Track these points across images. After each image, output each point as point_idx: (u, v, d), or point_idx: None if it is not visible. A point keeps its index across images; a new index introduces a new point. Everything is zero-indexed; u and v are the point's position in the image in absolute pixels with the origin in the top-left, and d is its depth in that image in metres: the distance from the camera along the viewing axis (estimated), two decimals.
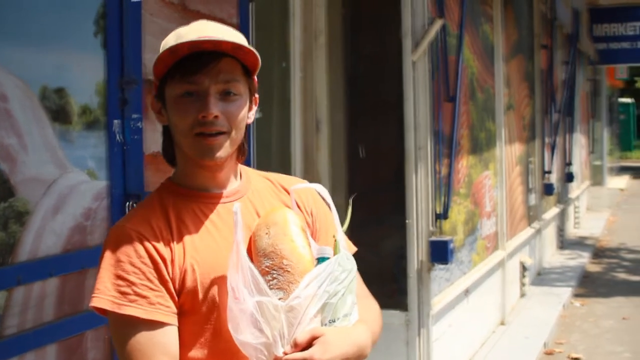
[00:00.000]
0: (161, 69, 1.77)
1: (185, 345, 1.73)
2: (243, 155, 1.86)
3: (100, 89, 2.78)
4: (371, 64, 5.29)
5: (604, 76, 21.89)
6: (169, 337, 1.70)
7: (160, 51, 1.76)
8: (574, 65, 12.07)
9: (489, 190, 6.91)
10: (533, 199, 9.34)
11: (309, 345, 1.65)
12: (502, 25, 7.55)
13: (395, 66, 5.06)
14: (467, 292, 6.06)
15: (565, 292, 8.96)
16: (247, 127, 1.85)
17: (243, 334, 1.66)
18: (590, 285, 9.88)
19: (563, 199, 12.13)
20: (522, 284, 8.26)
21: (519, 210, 8.39)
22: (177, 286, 1.72)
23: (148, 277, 1.70)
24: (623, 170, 29.25)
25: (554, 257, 11.05)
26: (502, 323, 7.45)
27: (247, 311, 1.65)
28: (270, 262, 1.70)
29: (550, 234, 10.98)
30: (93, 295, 1.72)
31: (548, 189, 9.94)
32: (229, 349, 1.71)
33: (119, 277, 1.70)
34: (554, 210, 11.08)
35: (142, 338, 1.69)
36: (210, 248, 1.77)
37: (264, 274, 1.69)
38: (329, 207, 1.86)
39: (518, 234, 8.24)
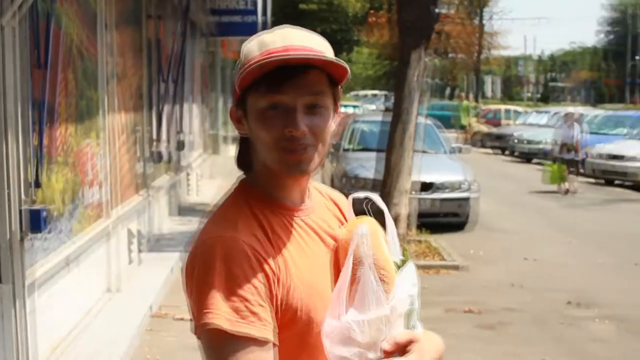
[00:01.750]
0: (247, 79, 1.68)
1: None
2: (321, 166, 1.80)
3: None
4: None
5: (219, 48, 22.67)
6: (274, 356, 1.63)
7: (243, 59, 1.71)
8: (185, 37, 12.34)
9: (92, 158, 6.88)
10: (142, 167, 9.45)
11: (405, 347, 1.66)
12: None
13: None
14: (68, 260, 6.01)
15: (175, 257, 9.22)
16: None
17: (339, 348, 1.65)
18: None
19: (176, 167, 12.42)
20: (131, 251, 8.35)
21: (127, 178, 8.44)
22: (279, 303, 1.66)
23: (260, 294, 1.62)
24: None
25: (167, 224, 11.30)
26: (110, 290, 7.49)
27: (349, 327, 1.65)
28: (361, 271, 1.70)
29: (163, 201, 11.21)
30: (205, 311, 1.60)
31: (157, 157, 10.13)
32: None
33: (234, 293, 1.60)
34: (165, 178, 11.32)
35: (253, 357, 1.59)
36: (306, 264, 1.74)
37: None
38: (385, 214, 1.83)
39: (126, 202, 8.30)
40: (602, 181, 19.80)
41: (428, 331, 1.77)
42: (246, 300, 1.60)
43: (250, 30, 19.97)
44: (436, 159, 13.10)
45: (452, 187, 12.32)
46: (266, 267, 1.64)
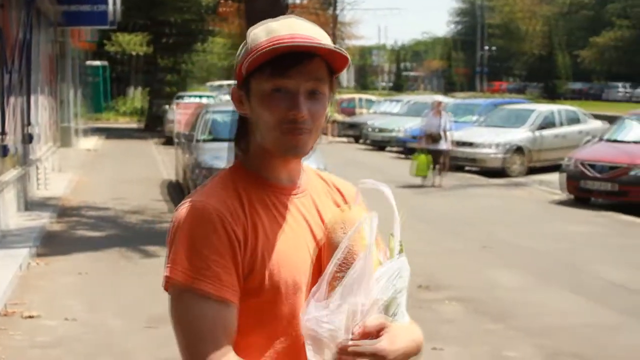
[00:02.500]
0: (254, 63, 1.76)
1: (241, 329, 1.74)
2: (312, 150, 1.85)
3: None
4: None
5: (69, 38, 22.03)
6: (231, 317, 1.72)
7: (250, 43, 1.80)
8: (30, 26, 11.94)
9: None
10: None
11: (377, 333, 1.72)
12: None
13: None
14: None
15: (24, 253, 8.93)
16: None
17: (313, 324, 1.72)
18: (51, 245, 9.99)
19: (24, 161, 12.01)
20: None
21: None
22: (246, 270, 1.74)
23: (223, 255, 1.71)
24: (95, 131, 29.91)
25: (15, 219, 10.93)
26: None
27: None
28: (343, 258, 1.77)
29: (10, 196, 10.82)
30: (167, 265, 1.73)
31: (3, 151, 9.77)
32: (289, 335, 1.78)
33: (196, 251, 1.70)
34: (12, 172, 10.92)
35: (208, 313, 1.69)
36: (281, 238, 1.81)
37: (337, 268, 1.76)
38: (393, 207, 1.92)
39: None
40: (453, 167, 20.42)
41: (412, 321, 1.87)
42: (207, 259, 1.70)
43: (100, 19, 19.46)
44: None
45: None
46: (230, 231, 1.73)
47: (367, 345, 1.70)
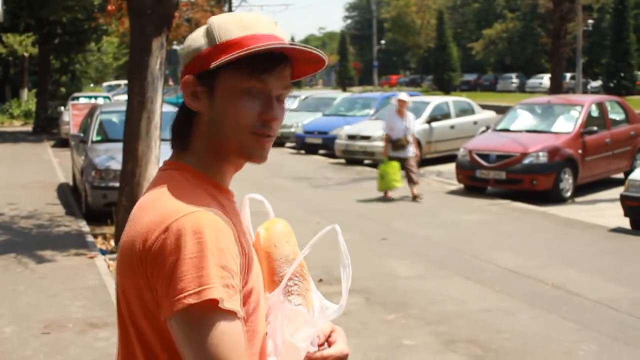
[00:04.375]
0: (221, 56, 1.67)
1: None
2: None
3: None
4: None
5: None
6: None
7: (218, 34, 1.70)
8: None
9: None
10: None
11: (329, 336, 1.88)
12: None
13: None
14: None
15: None
16: None
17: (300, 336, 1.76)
18: None
19: None
20: None
21: None
22: (244, 282, 1.67)
23: (239, 270, 1.62)
24: None
25: None
26: None
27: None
28: (293, 269, 1.81)
29: None
30: (204, 288, 1.53)
31: None
32: (263, 347, 1.76)
33: (224, 267, 1.56)
34: None
35: (239, 335, 1.57)
36: (251, 248, 1.76)
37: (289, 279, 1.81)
38: (270, 214, 2.02)
39: None
40: (343, 161, 20.61)
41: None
42: (232, 275, 1.59)
43: None
44: None
45: None
46: (239, 244, 1.65)
47: (332, 351, 1.85)
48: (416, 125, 17.44)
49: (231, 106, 1.70)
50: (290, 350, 1.74)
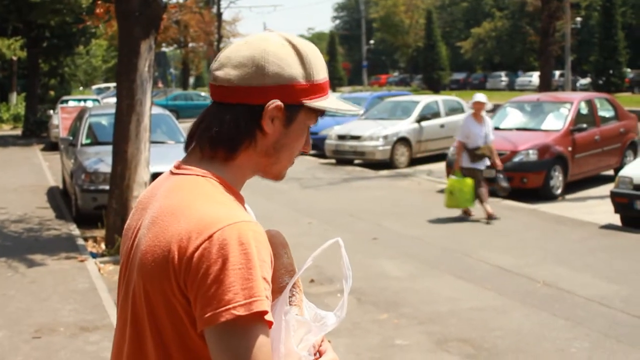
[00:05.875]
0: (316, 97, 1.81)
1: None
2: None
3: None
4: None
5: None
6: None
7: (314, 73, 1.80)
8: None
9: None
10: None
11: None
12: None
13: None
14: None
15: None
16: None
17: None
18: None
19: None
20: None
21: None
22: None
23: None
24: None
25: None
26: None
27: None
28: (290, 280, 1.82)
29: None
30: (253, 300, 1.57)
31: None
32: None
33: (265, 279, 1.62)
34: None
35: (270, 345, 1.62)
36: None
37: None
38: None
39: None
40: (333, 161, 20.58)
41: None
42: (269, 287, 1.64)
43: None
44: (175, 149, 13.08)
45: None
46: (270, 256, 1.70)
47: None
48: (407, 124, 17.06)
49: (299, 139, 1.85)
50: None
